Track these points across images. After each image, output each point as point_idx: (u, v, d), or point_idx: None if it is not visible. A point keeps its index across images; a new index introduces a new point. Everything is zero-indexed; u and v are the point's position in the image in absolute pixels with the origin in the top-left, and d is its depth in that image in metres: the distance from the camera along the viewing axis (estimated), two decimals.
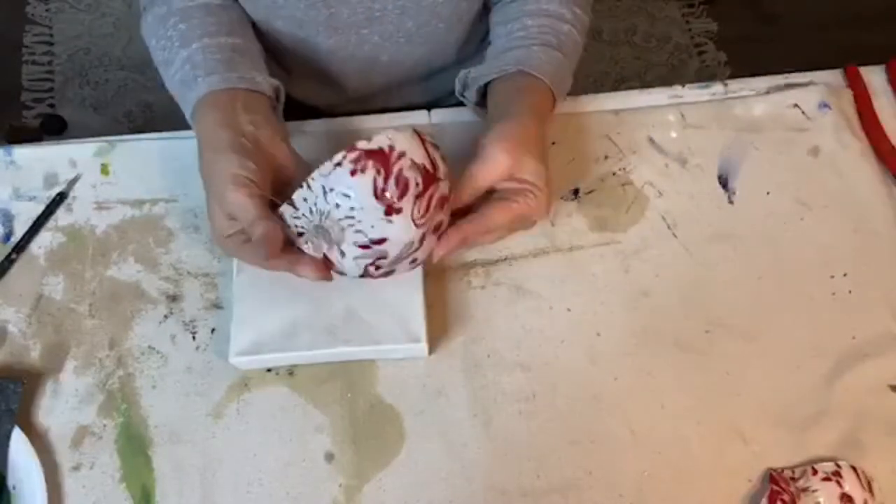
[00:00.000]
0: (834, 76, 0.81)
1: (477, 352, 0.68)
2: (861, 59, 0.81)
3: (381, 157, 0.55)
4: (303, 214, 0.58)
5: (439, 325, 0.69)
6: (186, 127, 0.68)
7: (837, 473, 0.62)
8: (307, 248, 0.60)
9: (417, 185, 0.57)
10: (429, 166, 0.58)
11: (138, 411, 0.66)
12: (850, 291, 0.71)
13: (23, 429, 0.63)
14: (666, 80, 1.77)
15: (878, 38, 1.50)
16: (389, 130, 0.56)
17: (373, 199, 0.55)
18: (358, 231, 0.57)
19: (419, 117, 0.78)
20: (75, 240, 0.73)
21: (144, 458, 0.64)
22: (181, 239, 0.73)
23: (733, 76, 0.81)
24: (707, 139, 0.77)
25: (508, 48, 0.72)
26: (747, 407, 0.66)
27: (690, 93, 0.80)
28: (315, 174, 0.57)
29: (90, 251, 0.72)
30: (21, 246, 0.72)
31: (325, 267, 0.61)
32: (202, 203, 0.73)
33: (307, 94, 0.91)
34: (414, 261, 0.62)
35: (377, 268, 0.60)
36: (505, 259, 0.72)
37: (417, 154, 0.57)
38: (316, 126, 0.78)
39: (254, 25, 0.82)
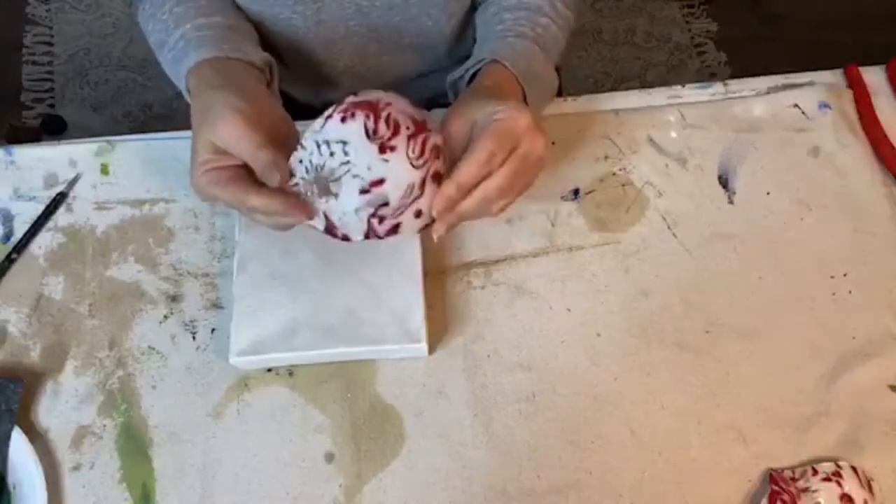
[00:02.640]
0: (834, 76, 0.81)
1: (477, 352, 0.68)
2: (861, 59, 0.81)
3: (370, 105, 0.57)
4: (300, 178, 0.57)
5: (439, 325, 0.69)
6: (186, 127, 0.67)
7: (837, 473, 0.62)
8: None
9: (408, 127, 0.57)
10: (417, 117, 0.58)
11: (138, 411, 0.66)
12: (850, 291, 0.71)
13: (23, 429, 0.63)
14: (666, 80, 1.77)
15: (879, 38, 1.50)
16: (378, 90, 0.58)
17: (365, 139, 0.55)
18: (355, 176, 0.56)
19: None
20: (75, 240, 0.73)
21: (144, 458, 0.64)
22: (181, 239, 0.73)
23: (733, 76, 0.81)
24: (707, 139, 0.77)
25: (484, 42, 0.72)
26: (747, 407, 0.66)
27: (690, 93, 0.80)
28: (307, 133, 0.57)
29: (90, 251, 0.72)
30: (21, 246, 0.72)
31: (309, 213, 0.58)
32: (202, 203, 0.73)
33: (301, 91, 0.91)
34: (419, 214, 0.58)
35: (380, 220, 0.57)
36: (505, 259, 0.72)
37: (405, 106, 0.58)
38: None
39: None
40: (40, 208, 0.73)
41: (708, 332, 0.69)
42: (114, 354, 0.68)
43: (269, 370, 0.67)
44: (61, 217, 0.74)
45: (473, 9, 0.80)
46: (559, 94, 0.94)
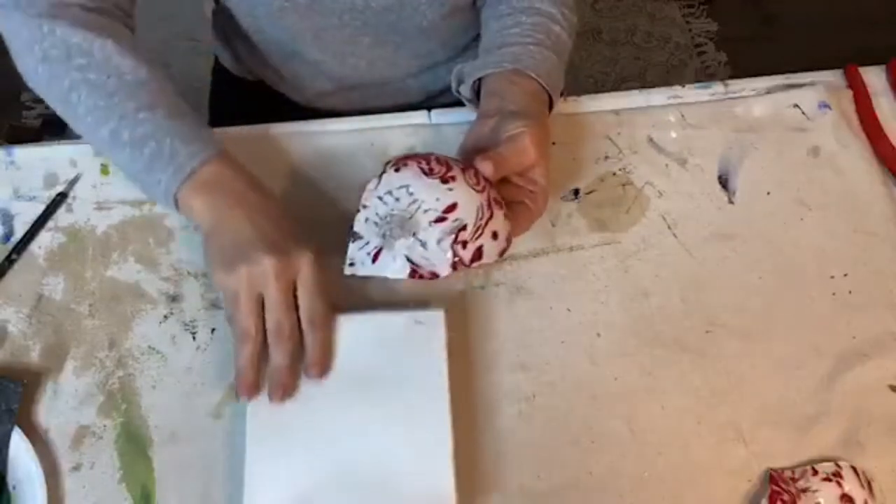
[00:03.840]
0: (834, 76, 0.81)
1: (477, 352, 0.68)
2: (861, 59, 0.81)
3: (417, 155, 0.62)
4: (371, 235, 0.60)
5: None
6: None
7: (838, 474, 0.62)
8: (391, 260, 0.59)
9: (457, 162, 0.61)
10: (453, 159, 0.62)
11: (138, 411, 0.66)
12: (850, 291, 0.71)
13: (23, 429, 0.63)
14: (666, 81, 1.77)
15: (879, 38, 1.50)
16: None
17: (425, 177, 0.59)
18: (426, 210, 0.58)
19: (419, 117, 0.78)
20: (75, 240, 0.73)
21: (144, 458, 0.64)
22: (181, 239, 0.73)
23: (733, 76, 0.81)
24: (707, 139, 0.77)
25: (503, 44, 0.71)
26: (747, 407, 0.66)
27: (690, 93, 0.80)
28: (364, 196, 0.60)
29: (90, 251, 0.72)
30: (21, 246, 0.72)
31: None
32: None
33: (293, 86, 0.91)
34: (495, 235, 0.60)
35: (463, 245, 0.58)
36: (505, 259, 0.71)
37: (444, 154, 0.63)
38: (314, 126, 0.78)
39: (234, 15, 0.82)
40: (40, 208, 0.73)
41: (708, 332, 0.69)
42: (114, 354, 0.68)
43: None
44: (61, 217, 0.74)
45: (471, 4, 0.80)
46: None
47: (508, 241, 0.61)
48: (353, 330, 0.63)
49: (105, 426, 0.66)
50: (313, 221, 0.67)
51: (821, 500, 0.61)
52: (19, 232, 0.73)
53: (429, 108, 0.78)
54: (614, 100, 0.79)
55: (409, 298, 0.68)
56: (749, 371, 0.68)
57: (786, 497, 0.61)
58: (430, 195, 0.58)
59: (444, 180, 0.58)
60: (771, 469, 0.64)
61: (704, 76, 1.81)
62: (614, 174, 0.76)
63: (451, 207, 0.58)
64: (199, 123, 0.66)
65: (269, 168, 0.73)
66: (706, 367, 0.68)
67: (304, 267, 0.60)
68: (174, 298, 0.70)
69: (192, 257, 0.72)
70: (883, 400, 0.67)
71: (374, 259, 0.59)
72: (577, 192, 0.75)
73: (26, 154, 0.76)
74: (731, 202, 0.75)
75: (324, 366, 0.61)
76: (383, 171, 0.61)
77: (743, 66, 1.80)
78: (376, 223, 0.59)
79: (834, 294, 0.71)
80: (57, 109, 0.68)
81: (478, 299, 0.70)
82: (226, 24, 0.90)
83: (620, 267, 0.72)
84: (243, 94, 0.96)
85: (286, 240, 0.60)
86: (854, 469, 0.63)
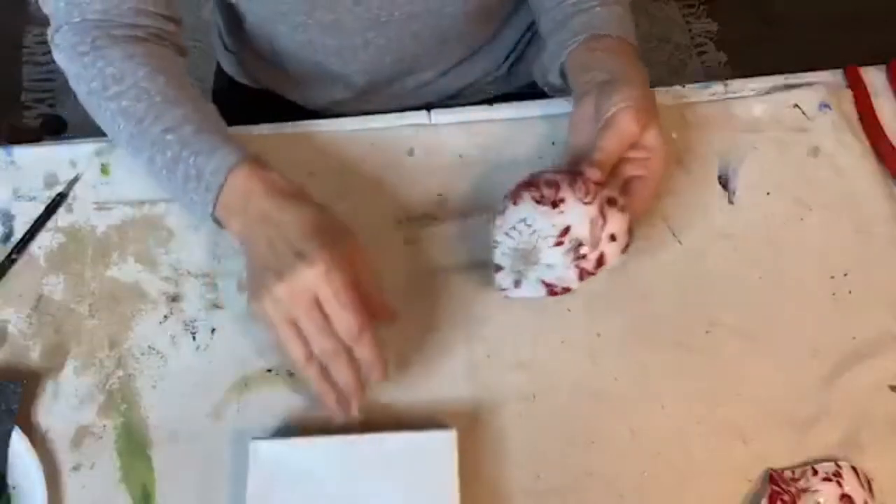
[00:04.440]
0: (834, 76, 0.81)
1: (477, 352, 0.68)
2: (861, 59, 0.81)
3: (528, 182, 0.64)
4: (509, 266, 0.64)
5: (440, 326, 0.69)
6: None
7: (838, 474, 0.62)
8: (530, 286, 0.64)
9: (564, 179, 0.63)
10: (568, 170, 0.65)
11: (138, 411, 0.66)
12: (850, 291, 0.71)
13: (23, 429, 0.63)
14: (666, 80, 1.76)
15: (878, 38, 1.50)
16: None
17: (538, 207, 0.63)
18: (545, 237, 0.63)
19: (419, 117, 0.78)
20: (75, 240, 0.73)
21: (144, 458, 0.64)
22: (181, 239, 0.72)
23: (733, 76, 0.81)
24: (707, 139, 0.77)
25: (567, 18, 0.71)
26: (747, 407, 0.66)
27: (690, 93, 0.80)
28: (493, 233, 0.65)
29: (90, 251, 0.72)
30: (21, 246, 0.72)
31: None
32: None
33: (308, 95, 0.91)
34: (613, 237, 0.63)
35: (584, 258, 0.62)
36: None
37: (553, 168, 0.66)
38: (319, 126, 0.78)
39: (249, 27, 0.82)
40: (40, 208, 0.73)
41: (708, 332, 0.69)
42: (114, 354, 0.68)
43: (269, 370, 0.67)
44: (61, 217, 0.74)
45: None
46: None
47: (629, 234, 0.64)
48: (362, 451, 0.62)
49: (105, 426, 0.66)
50: None
51: (821, 500, 0.61)
52: (19, 232, 0.73)
53: (428, 108, 0.78)
54: None
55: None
56: (749, 371, 0.68)
57: (786, 497, 0.61)
58: (545, 223, 0.63)
59: (555, 204, 0.62)
60: (771, 469, 0.63)
61: (704, 76, 1.81)
62: None
63: (566, 230, 0.62)
64: (222, 133, 0.65)
65: None
66: (706, 367, 0.68)
67: (319, 284, 0.57)
68: (174, 298, 0.70)
69: (192, 257, 0.72)
70: (883, 400, 0.67)
71: (517, 285, 0.65)
72: None
73: (26, 154, 0.76)
74: (731, 202, 0.75)
75: (381, 368, 0.60)
76: (505, 207, 0.65)
77: (743, 66, 1.79)
78: (510, 255, 0.64)
79: (834, 294, 0.71)
80: (115, 142, 0.71)
81: (478, 299, 0.69)
82: (233, 32, 0.90)
83: (620, 267, 0.71)
84: (245, 99, 0.96)
85: (296, 252, 0.58)
86: (854, 469, 0.63)
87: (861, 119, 0.78)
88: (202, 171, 0.63)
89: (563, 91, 0.74)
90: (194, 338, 0.69)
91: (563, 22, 0.72)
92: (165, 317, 0.70)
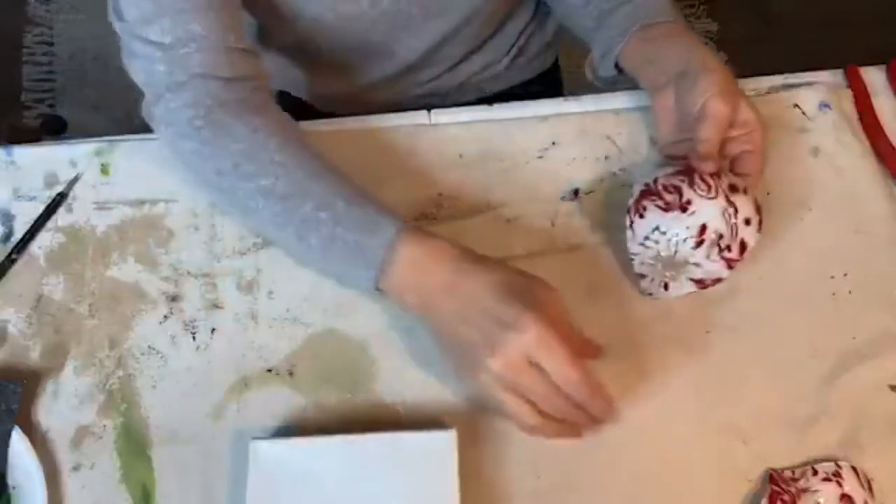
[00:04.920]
0: (834, 76, 0.81)
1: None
2: (861, 59, 0.81)
3: (647, 192, 0.66)
4: (653, 272, 0.66)
5: None
6: None
7: (837, 474, 0.62)
8: (680, 286, 0.67)
9: (682, 180, 0.64)
10: (678, 167, 0.66)
11: (138, 411, 0.66)
12: (850, 291, 0.71)
13: (23, 429, 0.63)
14: None
15: (878, 38, 1.50)
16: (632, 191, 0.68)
17: (667, 214, 0.64)
18: (684, 240, 0.64)
19: (419, 117, 0.78)
20: (75, 240, 0.73)
21: (144, 458, 0.64)
22: (181, 239, 0.73)
23: (733, 76, 0.81)
24: None
25: (607, 12, 0.72)
26: (747, 407, 0.66)
27: None
28: (628, 246, 0.66)
29: (90, 251, 0.72)
30: (21, 246, 0.72)
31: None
32: (202, 203, 0.73)
33: (330, 83, 0.90)
34: (748, 221, 0.64)
35: (728, 248, 0.64)
36: (505, 259, 0.71)
37: (665, 170, 0.67)
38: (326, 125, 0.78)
39: (263, 30, 0.81)
40: (40, 208, 0.73)
41: (708, 332, 0.69)
42: (114, 354, 0.68)
43: (269, 370, 0.67)
44: (61, 217, 0.74)
45: None
46: (560, 93, 0.94)
47: (759, 212, 0.65)
48: (363, 450, 0.62)
49: (105, 426, 0.66)
50: None
51: (821, 500, 0.61)
52: (19, 232, 0.73)
53: (429, 108, 0.78)
54: (614, 100, 0.79)
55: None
56: (749, 371, 0.68)
57: (786, 497, 0.61)
58: (680, 228, 0.63)
59: (683, 208, 0.63)
60: (771, 469, 0.63)
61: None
62: (614, 174, 0.76)
63: (702, 229, 0.63)
64: (371, 201, 0.63)
65: None
66: (706, 367, 0.68)
67: (534, 349, 0.56)
68: (174, 298, 0.70)
69: (192, 257, 0.72)
70: (883, 400, 0.67)
71: (667, 289, 0.67)
72: (577, 192, 0.75)
73: (26, 154, 0.76)
74: None
75: (612, 409, 0.59)
76: (632, 221, 0.66)
77: (743, 66, 1.79)
78: (651, 264, 0.66)
79: (834, 294, 0.71)
80: (245, 223, 0.69)
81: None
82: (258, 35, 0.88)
83: (620, 267, 0.72)
84: None
85: (499, 321, 0.57)
86: (854, 469, 0.63)
87: (861, 119, 0.78)
88: (363, 248, 0.61)
89: (615, 83, 0.75)
90: (194, 338, 0.69)
91: (605, 18, 0.73)
92: (165, 317, 0.70)
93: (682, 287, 0.67)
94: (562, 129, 0.77)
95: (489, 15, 0.84)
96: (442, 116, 0.78)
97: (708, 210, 0.63)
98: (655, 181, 0.66)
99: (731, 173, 0.67)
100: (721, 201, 0.63)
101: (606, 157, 0.76)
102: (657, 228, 0.64)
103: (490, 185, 0.74)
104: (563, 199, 0.75)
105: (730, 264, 0.65)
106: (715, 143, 0.65)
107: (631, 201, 0.67)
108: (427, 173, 0.75)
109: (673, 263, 0.65)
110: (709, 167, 0.64)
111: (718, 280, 0.66)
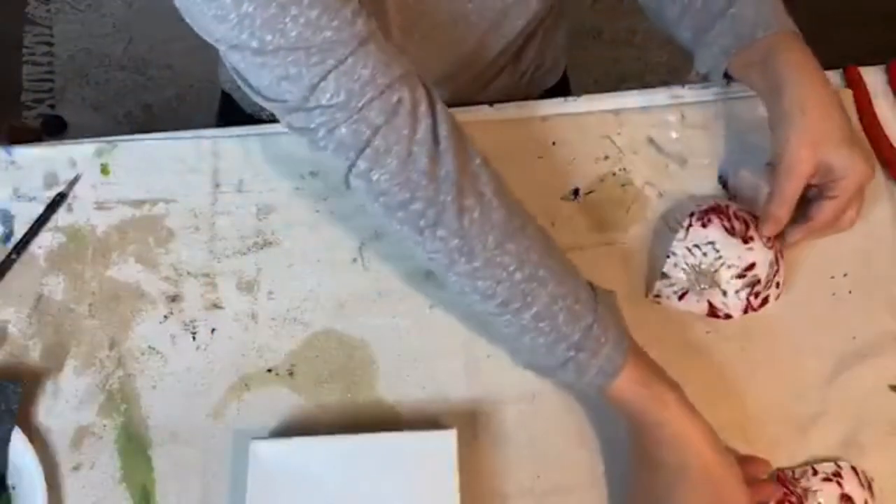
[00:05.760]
0: (834, 76, 0.81)
1: (477, 352, 0.68)
2: (861, 59, 0.81)
3: (718, 209, 0.69)
4: (678, 278, 0.68)
5: (440, 326, 0.69)
6: (186, 127, 0.67)
7: (838, 474, 0.62)
8: (695, 301, 0.68)
9: (753, 219, 0.68)
10: (749, 210, 0.70)
11: (138, 411, 0.66)
12: (850, 291, 0.71)
13: (23, 429, 0.63)
14: (666, 81, 1.76)
15: (878, 38, 1.50)
16: (700, 202, 0.71)
17: (728, 236, 0.67)
18: (729, 266, 0.66)
19: None
20: (75, 240, 0.73)
21: (144, 458, 0.64)
22: (181, 239, 0.72)
23: None
24: (707, 139, 0.77)
25: (704, 29, 0.70)
26: (747, 407, 0.66)
27: (690, 93, 0.80)
28: (673, 244, 0.68)
29: (90, 251, 0.72)
30: (21, 246, 0.72)
31: None
32: (202, 203, 0.73)
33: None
34: (778, 285, 0.69)
35: (756, 295, 0.67)
36: None
37: (736, 203, 0.70)
38: None
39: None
40: (40, 208, 0.73)
41: (708, 333, 0.69)
42: (114, 354, 0.68)
43: (269, 370, 0.67)
44: (61, 217, 0.74)
45: None
46: (561, 93, 0.93)
47: (783, 285, 0.69)
48: (363, 450, 0.62)
49: (105, 426, 0.66)
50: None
51: (821, 500, 0.61)
52: (19, 232, 0.73)
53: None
54: (614, 100, 0.79)
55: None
56: (749, 371, 0.68)
57: (793, 498, 0.61)
58: (733, 253, 0.66)
59: (745, 240, 0.66)
60: (778, 470, 0.63)
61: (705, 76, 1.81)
62: (614, 174, 0.76)
63: (751, 266, 0.66)
64: (591, 310, 0.60)
65: (273, 171, 0.73)
66: (706, 367, 0.68)
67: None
68: (174, 298, 0.70)
69: (192, 257, 0.72)
70: (883, 400, 0.67)
71: (680, 298, 0.68)
72: (576, 192, 0.75)
73: (26, 154, 0.76)
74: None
75: None
76: (689, 224, 0.68)
77: None
78: (684, 269, 0.68)
79: (834, 294, 0.71)
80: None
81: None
82: None
83: (620, 267, 0.71)
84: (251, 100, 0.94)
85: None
86: (854, 469, 0.63)
87: (861, 119, 0.78)
88: (585, 369, 0.59)
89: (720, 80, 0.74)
90: (194, 338, 0.69)
91: (701, 36, 0.71)
92: (165, 317, 0.70)
93: (695, 305, 0.68)
94: (562, 129, 0.77)
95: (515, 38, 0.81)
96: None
97: (763, 255, 0.66)
98: (730, 206, 0.69)
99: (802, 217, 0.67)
100: (774, 253, 0.67)
101: (606, 157, 0.76)
102: (713, 243, 0.67)
103: None
104: (563, 199, 0.75)
105: (747, 308, 0.67)
106: (788, 200, 0.64)
107: (696, 208, 0.69)
108: None
109: (706, 278, 0.67)
110: (770, 231, 0.66)
111: (728, 316, 0.68)
